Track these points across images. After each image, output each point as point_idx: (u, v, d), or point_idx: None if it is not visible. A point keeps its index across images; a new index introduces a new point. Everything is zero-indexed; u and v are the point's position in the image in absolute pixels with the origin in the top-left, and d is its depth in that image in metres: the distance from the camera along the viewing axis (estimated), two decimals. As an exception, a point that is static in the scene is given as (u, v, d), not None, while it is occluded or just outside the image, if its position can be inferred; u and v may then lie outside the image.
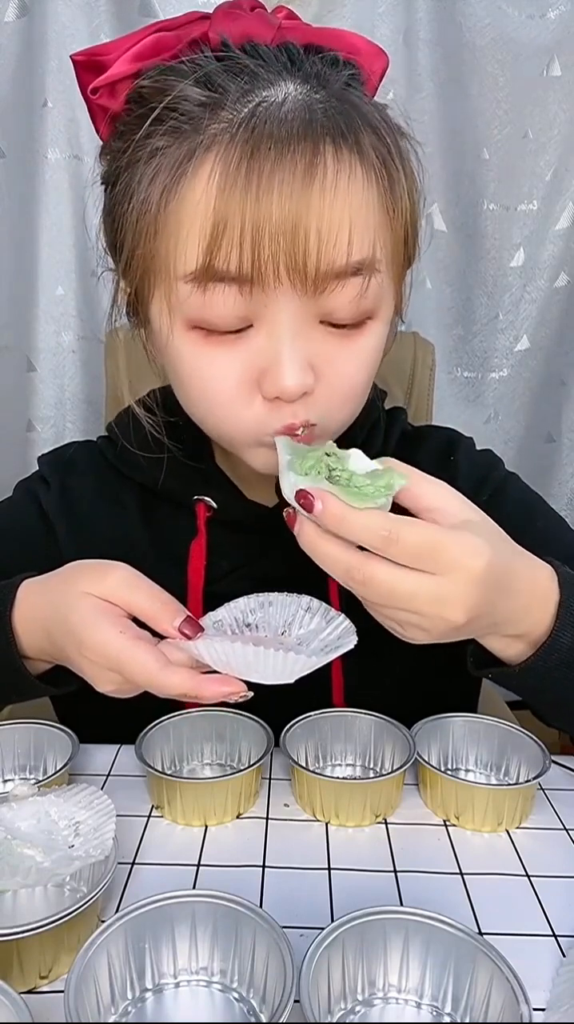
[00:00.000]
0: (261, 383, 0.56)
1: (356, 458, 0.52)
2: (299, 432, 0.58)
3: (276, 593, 0.60)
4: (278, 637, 0.58)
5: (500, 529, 0.54)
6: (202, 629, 0.55)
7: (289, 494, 0.51)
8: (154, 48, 0.56)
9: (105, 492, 0.75)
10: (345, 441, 0.73)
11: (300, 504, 0.49)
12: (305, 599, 0.60)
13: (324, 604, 0.59)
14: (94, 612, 0.54)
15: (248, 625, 0.59)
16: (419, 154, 0.61)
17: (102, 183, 0.61)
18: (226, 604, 0.60)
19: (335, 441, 0.73)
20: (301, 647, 0.56)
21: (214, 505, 0.71)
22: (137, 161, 0.55)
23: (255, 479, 0.71)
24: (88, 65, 0.59)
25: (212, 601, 0.69)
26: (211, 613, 0.59)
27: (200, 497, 0.71)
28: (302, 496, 0.49)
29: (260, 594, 0.60)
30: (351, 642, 0.54)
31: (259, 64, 0.54)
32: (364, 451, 0.75)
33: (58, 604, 0.57)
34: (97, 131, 0.62)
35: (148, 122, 0.54)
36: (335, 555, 0.50)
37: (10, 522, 0.77)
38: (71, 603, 0.55)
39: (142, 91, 0.56)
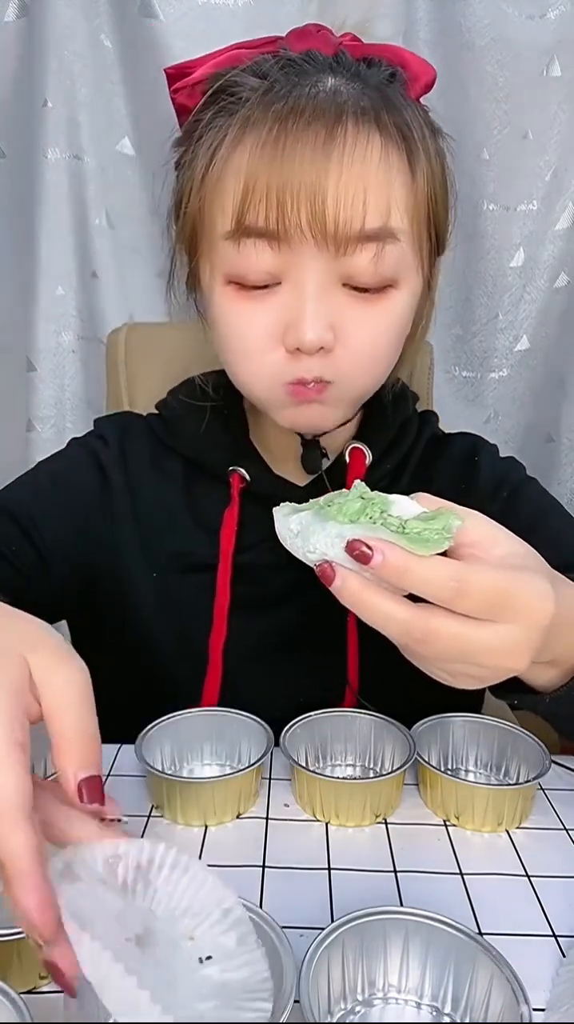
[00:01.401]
0: (285, 336, 0.62)
1: (400, 502, 0.47)
2: (310, 385, 0.63)
3: (201, 866, 0.41)
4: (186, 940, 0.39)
5: (538, 555, 0.51)
6: (102, 797, 0.39)
7: (325, 547, 0.45)
8: (230, 61, 0.65)
9: (154, 459, 0.80)
10: (375, 436, 0.78)
11: (353, 556, 0.43)
12: (229, 900, 0.40)
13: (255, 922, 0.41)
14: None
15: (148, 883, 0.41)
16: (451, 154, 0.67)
17: (175, 168, 0.69)
18: (137, 841, 0.41)
19: (363, 436, 0.76)
20: (206, 965, 0.38)
21: (247, 477, 0.75)
22: (197, 138, 0.64)
23: (284, 456, 0.77)
24: (177, 76, 0.68)
25: (240, 570, 0.74)
26: (118, 843, 0.40)
27: (235, 468, 0.76)
28: (355, 547, 0.43)
29: (180, 857, 0.41)
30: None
31: (308, 62, 0.62)
32: (392, 450, 0.77)
33: None
34: (180, 128, 0.69)
35: (203, 101, 0.64)
36: (389, 611, 0.44)
37: (66, 469, 0.79)
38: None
39: (208, 83, 0.64)
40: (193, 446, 0.79)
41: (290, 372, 0.63)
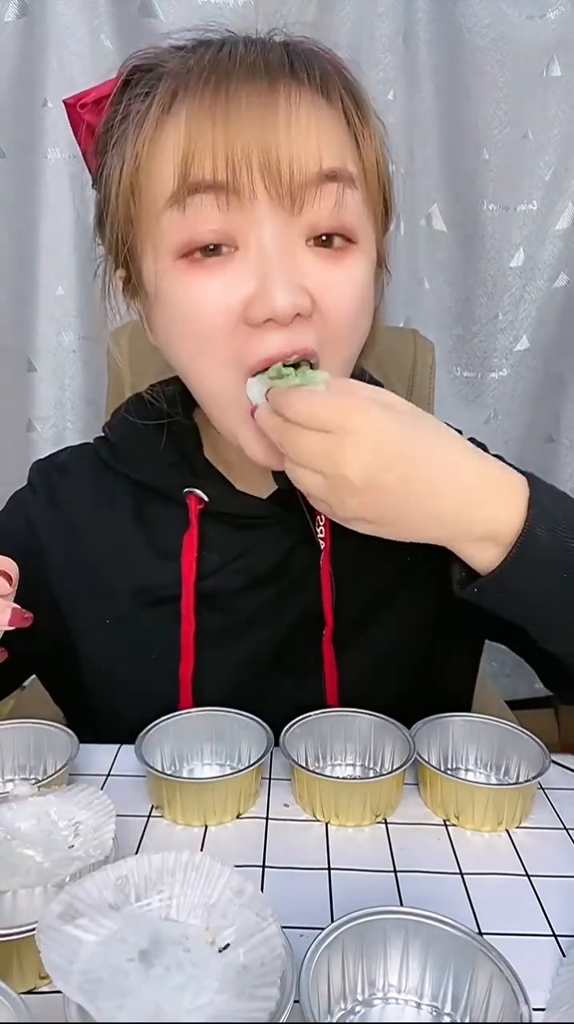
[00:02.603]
0: (248, 311, 0.56)
1: (316, 376, 0.58)
2: (292, 360, 0.57)
3: (211, 860, 0.45)
4: (202, 932, 0.42)
5: (427, 414, 0.56)
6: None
7: (257, 397, 0.59)
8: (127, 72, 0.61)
9: (98, 492, 0.75)
10: None
11: (266, 395, 0.57)
12: (242, 884, 0.44)
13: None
14: None
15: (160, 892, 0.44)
16: (387, 127, 0.64)
17: (92, 184, 0.64)
18: (138, 857, 0.45)
19: None
20: (223, 954, 0.41)
21: (205, 498, 0.70)
22: (121, 130, 0.59)
23: (245, 470, 0.71)
24: (76, 104, 0.63)
25: (205, 597, 0.70)
26: (122, 862, 0.45)
27: (191, 489, 0.70)
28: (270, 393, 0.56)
29: (192, 857, 0.45)
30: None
31: (228, 38, 0.60)
32: None
33: None
34: (84, 156, 0.65)
35: (117, 89, 0.60)
36: (271, 424, 0.55)
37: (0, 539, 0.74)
38: None
39: (122, 78, 0.60)
40: (143, 470, 0.73)
41: (257, 352, 0.57)
